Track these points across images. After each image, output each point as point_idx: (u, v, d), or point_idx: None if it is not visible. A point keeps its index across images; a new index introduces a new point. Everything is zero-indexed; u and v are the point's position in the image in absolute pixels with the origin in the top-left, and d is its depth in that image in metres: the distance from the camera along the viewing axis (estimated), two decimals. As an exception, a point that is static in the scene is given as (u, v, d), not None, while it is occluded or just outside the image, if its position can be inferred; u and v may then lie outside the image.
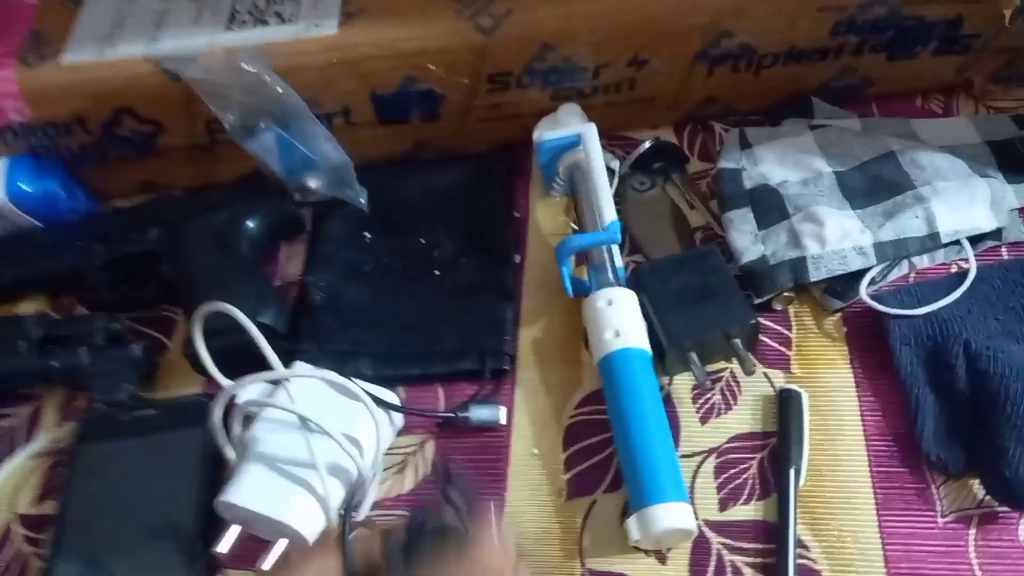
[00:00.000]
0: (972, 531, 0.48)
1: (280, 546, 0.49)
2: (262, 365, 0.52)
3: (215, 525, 0.51)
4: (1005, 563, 0.46)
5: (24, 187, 0.63)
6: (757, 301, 0.56)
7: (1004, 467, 0.46)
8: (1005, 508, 0.47)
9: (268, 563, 0.48)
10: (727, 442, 0.53)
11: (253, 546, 0.50)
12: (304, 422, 0.50)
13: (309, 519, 0.49)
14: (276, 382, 0.53)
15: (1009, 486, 0.46)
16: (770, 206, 0.58)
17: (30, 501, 0.56)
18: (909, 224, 0.55)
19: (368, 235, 0.65)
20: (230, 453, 0.52)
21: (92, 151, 0.65)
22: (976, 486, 0.49)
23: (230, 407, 0.52)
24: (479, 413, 0.55)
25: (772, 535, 0.49)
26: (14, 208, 0.63)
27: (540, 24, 0.60)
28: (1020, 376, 0.48)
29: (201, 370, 0.54)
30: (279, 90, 0.57)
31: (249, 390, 0.53)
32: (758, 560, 0.48)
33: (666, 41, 0.61)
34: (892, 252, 0.55)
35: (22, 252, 0.64)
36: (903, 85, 0.66)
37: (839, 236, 0.55)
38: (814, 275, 0.55)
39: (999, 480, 0.47)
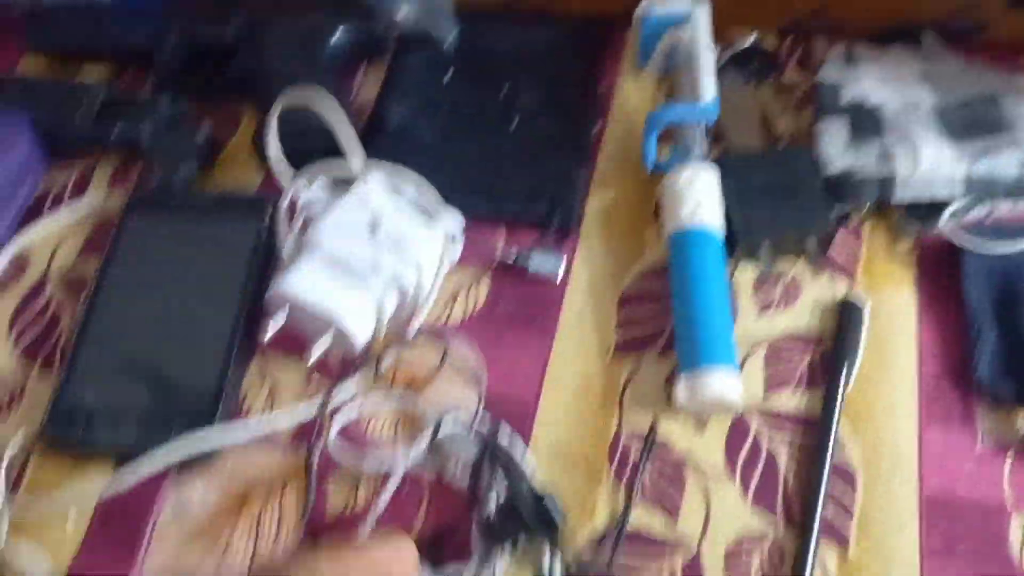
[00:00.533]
0: (1009, 461, 0.48)
1: (326, 342, 0.48)
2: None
3: (257, 320, 0.50)
4: (1038, 496, 0.47)
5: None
6: (838, 211, 0.55)
7: (1056, 404, 0.47)
8: (1048, 446, 0.48)
9: (313, 357, 0.48)
10: (780, 337, 0.52)
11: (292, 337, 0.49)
12: (374, 225, 0.49)
13: (360, 321, 0.48)
14: (344, 183, 0.52)
15: (1059, 422, 0.46)
16: (865, 122, 0.57)
17: (69, 260, 0.55)
18: (1003, 165, 0.55)
19: (448, 78, 0.63)
20: (285, 250, 0.51)
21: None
22: (1020, 419, 0.49)
23: (300, 208, 0.51)
24: (540, 261, 0.54)
25: (811, 430, 0.49)
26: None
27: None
28: (1088, 323, 0.48)
29: (266, 159, 0.53)
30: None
31: (315, 188, 0.52)
32: (795, 449, 0.48)
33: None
34: (981, 189, 0.54)
35: (96, 19, 0.62)
36: (1019, 36, 0.65)
37: (932, 162, 0.54)
38: (899, 196, 0.54)
39: (1050, 416, 0.47)
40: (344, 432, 0.49)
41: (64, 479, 0.47)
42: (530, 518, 0.41)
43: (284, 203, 0.51)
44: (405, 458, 0.46)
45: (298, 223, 0.51)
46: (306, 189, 0.52)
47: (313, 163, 0.52)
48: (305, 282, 0.49)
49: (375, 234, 0.49)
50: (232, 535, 0.46)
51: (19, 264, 0.56)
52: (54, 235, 0.57)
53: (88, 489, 0.46)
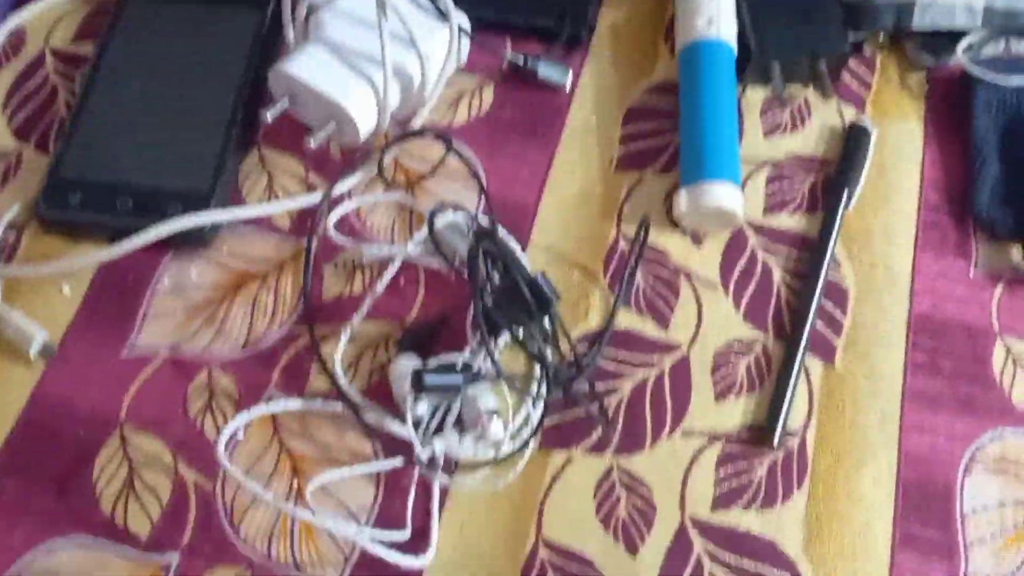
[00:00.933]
0: (999, 288, 0.48)
1: (329, 128, 0.47)
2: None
3: (257, 109, 0.49)
4: (1022, 321, 0.47)
5: None
6: (853, 38, 0.54)
7: (1052, 233, 0.47)
8: (1039, 274, 0.48)
9: (316, 142, 0.47)
10: (785, 158, 0.52)
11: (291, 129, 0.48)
12: (381, 15, 0.47)
13: (363, 108, 0.47)
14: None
15: (1053, 250, 0.47)
16: (889, -53, 0.56)
17: (67, 37, 0.54)
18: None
19: None
20: (291, 33, 0.50)
21: None
22: (1015, 251, 0.49)
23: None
24: (548, 69, 0.53)
25: (809, 248, 0.49)
26: None
27: None
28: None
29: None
30: None
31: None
32: (791, 266, 0.49)
33: None
34: (1000, 22, 0.53)
35: None
36: None
37: (954, -11, 0.53)
38: (917, 22, 0.53)
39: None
40: (343, 224, 0.49)
41: (59, 254, 0.47)
42: (524, 302, 0.42)
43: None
44: (403, 247, 0.46)
45: (302, 9, 0.49)
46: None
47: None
48: (310, 65, 0.47)
49: (381, 24, 0.47)
50: (228, 312, 0.46)
51: (15, 41, 0.54)
52: (52, 12, 0.55)
53: (83, 262, 0.46)
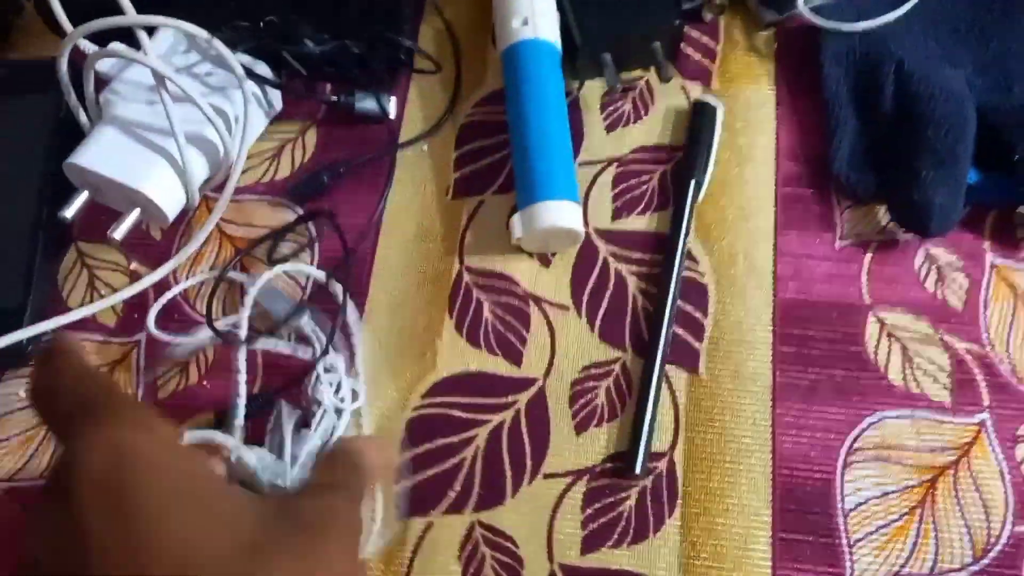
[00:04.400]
0: (868, 256, 0.45)
1: (133, 215, 0.45)
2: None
3: (65, 196, 0.46)
4: (894, 287, 0.44)
5: None
6: (687, 6, 0.51)
7: (914, 190, 0.43)
8: (906, 235, 0.45)
9: (120, 232, 0.45)
10: (631, 152, 0.49)
11: (109, 220, 0.46)
12: (162, 80, 0.44)
13: (166, 189, 0.45)
14: (133, 42, 0.47)
15: (915, 209, 0.43)
16: (715, -100, 0.52)
17: None
18: (864, -69, 0.49)
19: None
20: (83, 116, 0.47)
21: None
22: (881, 213, 0.46)
23: (87, 68, 0.46)
24: (365, 100, 0.50)
25: (664, 247, 0.46)
26: None
27: None
28: (948, 100, 0.45)
29: (54, 25, 0.47)
30: None
31: (106, 49, 0.47)
32: (644, 270, 0.46)
33: None
34: (840, -38, 0.49)
35: None
36: None
37: (785, -63, 0.49)
38: (751, -21, 0.49)
39: (907, 203, 0.44)
40: (173, 312, 0.46)
41: None
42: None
43: (63, 65, 0.46)
44: (229, 326, 0.44)
45: (90, 83, 0.46)
46: (92, 50, 0.47)
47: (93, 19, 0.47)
48: (102, 152, 0.45)
49: (167, 89, 0.44)
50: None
51: None
52: None
53: None
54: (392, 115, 0.50)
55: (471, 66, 0.52)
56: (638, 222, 0.47)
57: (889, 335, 0.44)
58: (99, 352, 0.46)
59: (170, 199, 0.45)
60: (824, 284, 0.45)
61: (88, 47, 0.47)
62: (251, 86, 0.46)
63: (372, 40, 0.50)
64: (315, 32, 0.49)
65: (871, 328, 0.44)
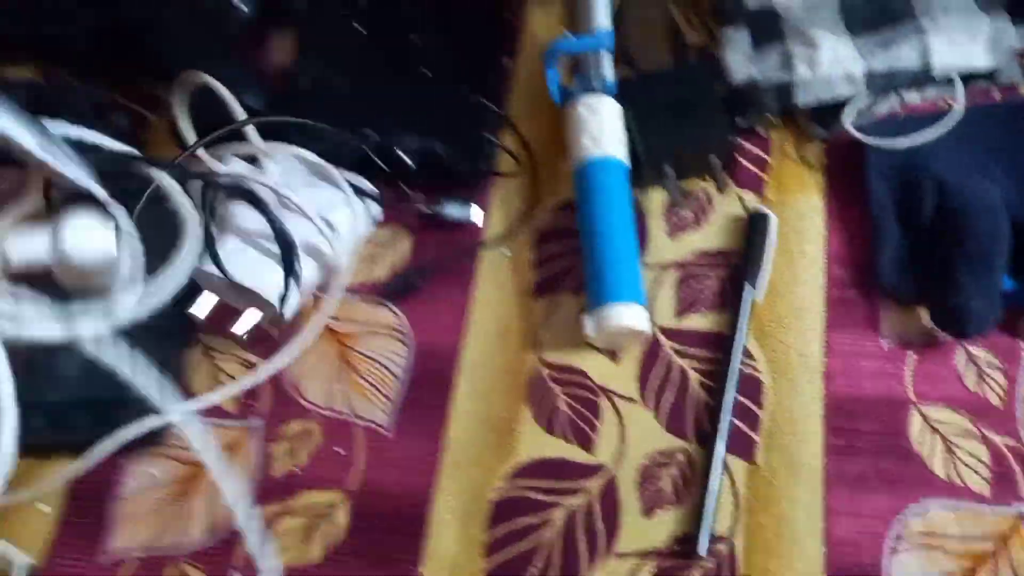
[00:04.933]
0: (911, 355, 0.50)
1: (253, 314, 0.51)
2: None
3: (192, 299, 0.53)
4: (938, 386, 0.49)
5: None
6: (742, 123, 0.56)
7: (953, 296, 0.48)
8: (946, 336, 0.49)
9: (240, 328, 0.51)
10: (692, 257, 0.54)
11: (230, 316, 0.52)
12: (280, 199, 0.51)
13: (279, 289, 0.51)
14: (254, 159, 0.54)
15: (954, 313, 0.48)
16: (769, 27, 0.57)
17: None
18: (903, 56, 0.54)
19: (358, 26, 0.64)
20: (209, 225, 0.54)
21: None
22: (923, 316, 0.50)
23: (210, 181, 0.53)
24: (454, 208, 0.56)
25: (723, 345, 0.51)
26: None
27: None
28: (985, 213, 0.49)
29: (182, 144, 0.55)
30: None
31: (230, 165, 0.54)
32: (706, 367, 0.51)
33: None
34: (882, 84, 0.54)
35: (7, 9, 0.64)
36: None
37: (831, 61, 0.54)
38: (801, 100, 0.55)
39: (946, 308, 0.48)
40: (288, 391, 0.52)
41: (31, 474, 0.51)
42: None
43: (196, 182, 0.53)
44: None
45: (214, 201, 0.53)
46: (222, 162, 0.54)
47: (221, 141, 0.54)
48: (226, 258, 0.51)
49: (285, 206, 0.51)
50: (190, 504, 0.50)
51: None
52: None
53: (54, 482, 0.50)
54: (476, 221, 0.56)
55: (547, 176, 0.57)
56: (700, 321, 0.52)
57: (932, 429, 0.48)
58: (220, 434, 0.52)
59: (287, 300, 0.51)
60: (871, 380, 0.49)
61: (214, 164, 0.54)
62: (358, 202, 0.53)
63: (460, 146, 0.57)
64: (407, 140, 0.56)
65: (915, 422, 0.48)
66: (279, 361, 0.52)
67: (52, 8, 0.62)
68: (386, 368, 0.52)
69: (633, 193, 0.54)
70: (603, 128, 0.54)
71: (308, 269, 0.52)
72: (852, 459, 0.47)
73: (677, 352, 0.51)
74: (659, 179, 0.55)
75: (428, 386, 0.52)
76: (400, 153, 0.56)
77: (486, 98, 0.59)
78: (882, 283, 0.51)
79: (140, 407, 0.50)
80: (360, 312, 0.54)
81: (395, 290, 0.54)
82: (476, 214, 0.56)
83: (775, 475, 0.48)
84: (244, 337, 0.52)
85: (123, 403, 0.50)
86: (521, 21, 0.63)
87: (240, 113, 0.52)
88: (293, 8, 0.64)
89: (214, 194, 0.52)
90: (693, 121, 0.55)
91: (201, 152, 0.54)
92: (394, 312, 0.54)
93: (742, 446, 0.48)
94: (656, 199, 0.56)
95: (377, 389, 0.52)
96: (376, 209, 0.56)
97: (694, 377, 0.50)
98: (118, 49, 0.61)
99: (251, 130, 0.52)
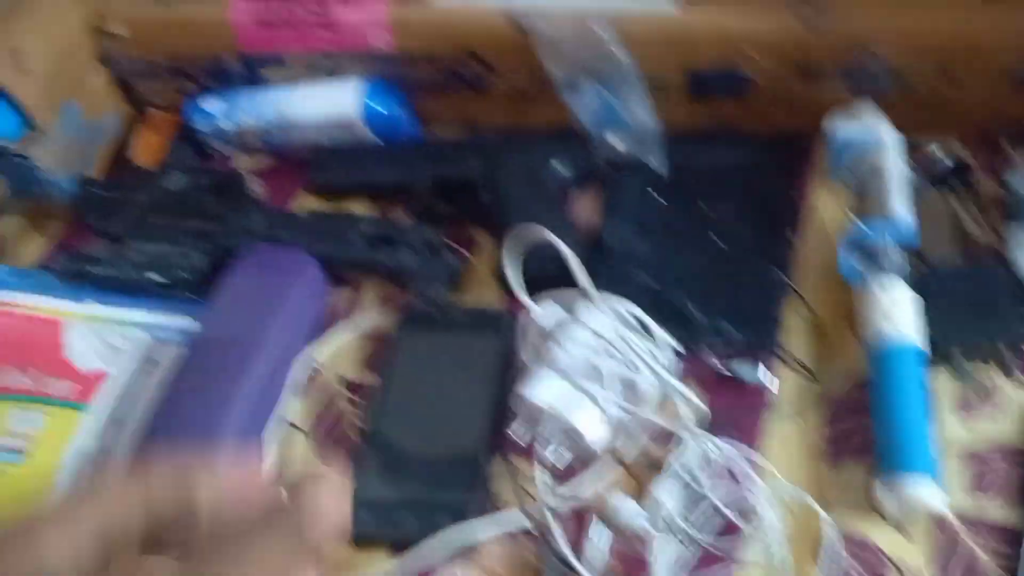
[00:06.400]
0: None
1: (566, 444, 0.57)
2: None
3: (502, 422, 0.59)
4: None
5: (376, 108, 0.74)
6: (1033, 318, 0.59)
7: None
8: None
9: (554, 456, 0.56)
10: (984, 444, 0.56)
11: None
12: (608, 344, 0.57)
13: (594, 428, 0.57)
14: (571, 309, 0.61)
15: None
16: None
17: (354, 368, 0.67)
18: None
19: (658, 196, 0.71)
20: (528, 360, 0.61)
21: (430, 83, 0.75)
22: None
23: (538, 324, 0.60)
24: (745, 368, 0.61)
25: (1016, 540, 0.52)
26: (364, 126, 0.74)
27: (862, 25, 0.64)
28: None
29: (507, 287, 0.63)
30: (618, 54, 0.64)
31: (550, 310, 0.61)
32: (1000, 561, 0.52)
33: (980, 56, 0.64)
34: None
35: (363, 162, 0.75)
36: None
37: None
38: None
39: None
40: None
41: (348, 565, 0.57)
42: None
43: (524, 323, 0.60)
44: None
45: (535, 339, 0.60)
46: (541, 310, 0.61)
47: (546, 288, 0.61)
48: (543, 389, 0.57)
49: (607, 352, 0.57)
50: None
51: (312, 374, 0.68)
52: (339, 348, 0.69)
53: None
54: (767, 383, 0.60)
55: (835, 349, 0.62)
56: (995, 511, 0.53)
57: None
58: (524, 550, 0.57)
59: (596, 435, 0.57)
60: None
61: (532, 308, 0.61)
62: (666, 354, 0.59)
63: (756, 318, 0.62)
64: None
65: None
66: (580, 491, 0.57)
67: (404, 161, 0.73)
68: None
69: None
70: (898, 311, 0.58)
71: (618, 407, 0.57)
72: None
73: (970, 537, 0.52)
74: (948, 364, 0.58)
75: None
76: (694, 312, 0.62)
77: (775, 269, 0.65)
78: None
79: (455, 511, 0.56)
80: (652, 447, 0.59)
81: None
82: (767, 378, 0.60)
83: None
84: (552, 461, 0.57)
85: (440, 505, 0.57)
86: (806, 199, 0.69)
87: (577, 267, 0.60)
88: (601, 172, 0.72)
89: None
90: (987, 313, 0.58)
91: (525, 297, 0.62)
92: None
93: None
94: (945, 383, 0.58)
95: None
96: (678, 363, 0.61)
97: (990, 568, 0.51)
98: (452, 198, 0.72)
99: (585, 278, 0.59)
